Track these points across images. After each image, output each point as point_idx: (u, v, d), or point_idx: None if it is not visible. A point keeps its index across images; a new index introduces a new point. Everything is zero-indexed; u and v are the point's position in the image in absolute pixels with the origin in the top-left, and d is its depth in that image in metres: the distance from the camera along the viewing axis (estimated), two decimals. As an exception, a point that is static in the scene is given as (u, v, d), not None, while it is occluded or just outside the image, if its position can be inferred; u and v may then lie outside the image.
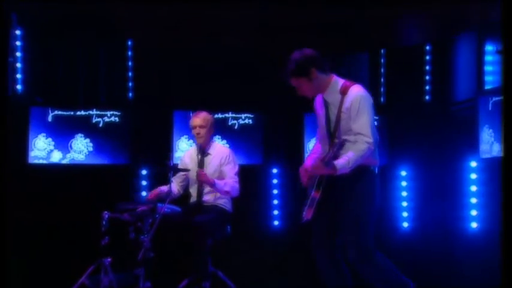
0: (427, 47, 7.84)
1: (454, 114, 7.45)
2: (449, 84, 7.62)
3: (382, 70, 7.95)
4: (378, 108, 5.38)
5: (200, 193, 5.88)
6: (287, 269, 7.35)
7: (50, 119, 7.10)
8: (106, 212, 5.65)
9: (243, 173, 6.16)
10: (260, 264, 7.19)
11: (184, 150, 7.21)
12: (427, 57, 7.85)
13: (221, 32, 7.21)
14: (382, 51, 7.99)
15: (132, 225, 5.44)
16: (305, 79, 4.42)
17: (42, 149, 7.04)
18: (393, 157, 7.52)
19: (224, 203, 5.92)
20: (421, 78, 7.83)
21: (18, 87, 7.04)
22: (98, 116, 7.21)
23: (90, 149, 7.17)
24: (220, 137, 7.31)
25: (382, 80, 7.96)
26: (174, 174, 5.77)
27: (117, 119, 7.23)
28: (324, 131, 4.53)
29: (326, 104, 4.49)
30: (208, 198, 5.88)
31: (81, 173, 7.12)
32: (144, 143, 7.33)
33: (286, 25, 7.21)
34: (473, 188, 6.74)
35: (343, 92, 4.40)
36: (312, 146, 7.55)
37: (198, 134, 5.95)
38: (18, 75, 7.05)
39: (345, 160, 4.20)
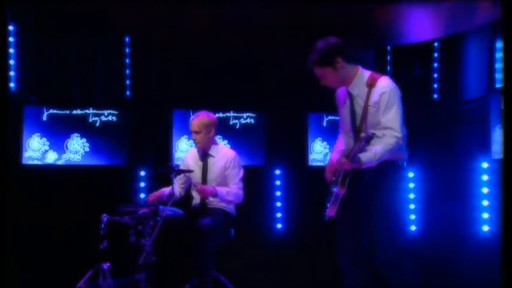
0: (436, 44, 7.82)
1: (464, 113, 7.43)
2: (459, 83, 7.60)
3: (388, 68, 7.92)
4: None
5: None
6: (290, 273, 7.33)
7: (44, 118, 7.06)
8: (105, 214, 5.61)
9: (245, 174, 6.11)
10: (263, 268, 7.17)
11: (184, 151, 7.19)
12: (435, 55, 7.83)
13: (222, 29, 7.19)
14: (388, 48, 7.97)
15: (133, 228, 5.40)
16: (330, 69, 4.37)
17: (36, 149, 7.00)
18: (400, 158, 7.51)
19: (228, 205, 5.89)
20: (429, 76, 7.82)
21: (12, 85, 6.99)
22: (95, 115, 7.17)
23: (87, 149, 7.13)
24: (221, 137, 7.28)
25: (388, 78, 7.94)
26: (176, 176, 5.73)
27: (114, 118, 7.20)
28: (348, 125, 4.49)
29: (351, 97, 4.44)
30: (211, 200, 5.84)
31: (77, 174, 7.08)
32: (142, 143, 7.29)
33: (288, 22, 7.21)
34: (485, 190, 6.72)
35: (371, 84, 4.36)
36: (315, 145, 7.59)
37: (194, 139, 5.91)
38: (12, 73, 7.01)
39: (371, 154, 4.17)
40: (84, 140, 7.13)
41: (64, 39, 7.30)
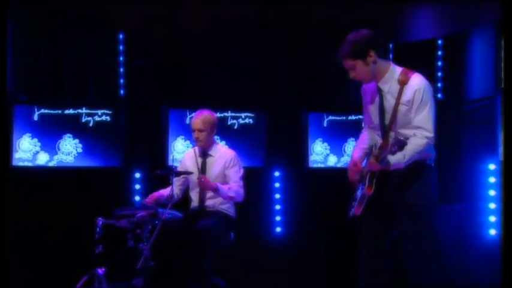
0: (439, 42, 7.83)
1: (469, 113, 7.43)
2: (463, 82, 7.61)
3: (390, 66, 7.90)
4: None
5: (202, 198, 5.82)
6: (290, 278, 7.33)
7: (35, 118, 7.00)
8: (100, 218, 5.57)
9: (244, 175, 6.09)
10: (262, 272, 7.17)
11: (180, 152, 7.16)
12: (439, 53, 7.85)
13: (220, 27, 7.17)
14: (390, 45, 7.96)
15: (130, 232, 5.36)
16: (361, 62, 4.33)
17: (27, 150, 6.94)
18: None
19: (227, 208, 5.87)
20: (433, 75, 7.81)
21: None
22: (88, 115, 7.12)
23: (80, 150, 7.07)
24: (219, 137, 7.24)
25: (390, 77, 7.94)
26: (175, 178, 5.71)
27: (108, 118, 7.15)
28: (375, 121, 4.46)
29: (381, 93, 4.40)
30: (210, 203, 5.82)
31: (70, 176, 7.01)
32: (137, 144, 7.23)
33: (288, 21, 7.20)
34: (492, 193, 6.71)
35: (403, 81, 4.32)
36: (315, 146, 7.57)
37: (197, 138, 5.88)
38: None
39: (400, 156, 4.13)
40: (76, 140, 7.07)
41: (55, 37, 7.24)
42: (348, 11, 6.96)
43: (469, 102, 7.46)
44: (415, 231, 4.30)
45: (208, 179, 5.70)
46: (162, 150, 7.26)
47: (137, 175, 7.18)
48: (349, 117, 7.59)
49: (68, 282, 5.77)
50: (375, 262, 4.50)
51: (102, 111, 7.14)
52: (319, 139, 7.64)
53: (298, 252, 7.43)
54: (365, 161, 4.49)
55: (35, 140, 6.97)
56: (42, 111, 7.02)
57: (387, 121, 4.35)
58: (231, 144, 7.23)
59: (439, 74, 7.84)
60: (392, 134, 4.26)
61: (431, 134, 4.26)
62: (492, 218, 6.70)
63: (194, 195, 5.89)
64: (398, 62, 7.74)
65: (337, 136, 7.64)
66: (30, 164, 6.94)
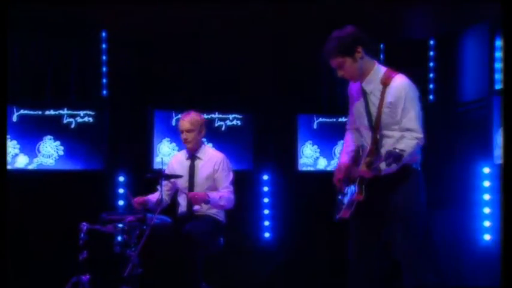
0: (431, 42, 7.86)
1: (462, 116, 7.46)
2: (456, 83, 7.63)
3: (381, 67, 7.92)
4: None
5: (190, 202, 5.78)
6: (279, 285, 7.31)
7: (14, 119, 6.93)
8: (84, 223, 5.51)
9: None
10: (250, 280, 7.15)
11: (166, 155, 7.13)
12: (431, 53, 7.87)
13: (207, 27, 7.17)
14: (380, 46, 7.98)
15: (117, 237, 5.32)
16: (350, 59, 4.29)
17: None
18: (395, 163, 7.51)
19: (217, 212, 5.83)
20: (424, 76, 7.84)
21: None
22: (70, 116, 7.06)
23: (61, 152, 7.01)
24: (205, 139, 7.21)
25: (380, 78, 7.96)
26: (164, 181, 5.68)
27: (91, 119, 7.10)
28: (362, 122, 4.45)
29: (365, 94, 4.40)
30: (199, 207, 5.78)
31: (51, 180, 6.95)
32: (121, 147, 7.20)
33: (276, 21, 7.21)
34: (487, 197, 6.74)
35: (385, 82, 4.30)
36: (305, 149, 7.57)
37: (185, 139, 5.86)
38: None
39: (381, 158, 4.14)
40: (57, 142, 7.02)
41: (35, 34, 7.18)
42: (336, 10, 6.97)
43: (462, 104, 7.49)
44: (405, 236, 4.32)
45: (197, 193, 5.66)
46: (147, 153, 7.23)
47: (121, 179, 7.13)
48: (340, 119, 7.58)
49: (51, 290, 5.72)
50: (367, 266, 4.52)
51: (85, 112, 7.09)
52: (309, 142, 7.64)
53: (288, 258, 7.42)
54: (359, 164, 4.49)
55: (14, 142, 6.91)
56: (22, 112, 6.95)
57: (374, 123, 4.35)
58: (218, 147, 7.19)
59: (431, 75, 7.86)
60: (388, 150, 4.26)
61: (420, 135, 4.28)
62: (486, 223, 6.73)
63: (182, 200, 5.86)
64: (388, 62, 7.73)
65: (327, 138, 7.64)
66: (8, 167, 6.85)
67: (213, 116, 7.40)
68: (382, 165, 4.14)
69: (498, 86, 6.76)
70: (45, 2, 6.46)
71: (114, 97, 7.33)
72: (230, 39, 7.36)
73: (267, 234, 7.51)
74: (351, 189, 4.39)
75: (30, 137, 6.96)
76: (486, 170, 6.78)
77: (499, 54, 6.84)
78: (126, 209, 6.74)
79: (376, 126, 4.33)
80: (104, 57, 7.36)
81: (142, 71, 7.39)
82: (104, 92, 7.33)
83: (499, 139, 6.53)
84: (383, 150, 4.24)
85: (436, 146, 7.50)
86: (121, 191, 7.10)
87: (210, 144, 7.20)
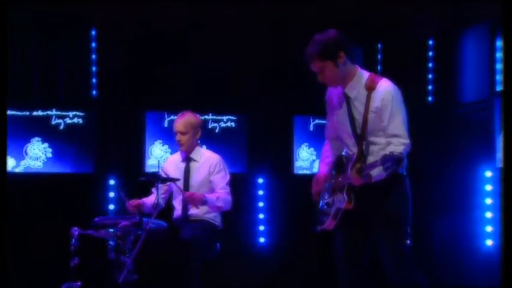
0: (430, 42, 7.89)
1: (462, 117, 7.48)
2: (455, 84, 7.66)
3: (378, 68, 7.95)
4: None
5: (186, 206, 5.77)
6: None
7: (1, 120, 6.90)
8: (75, 228, 5.48)
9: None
10: (244, 286, 7.13)
11: (158, 157, 7.11)
12: (430, 53, 7.90)
13: (201, 27, 7.18)
14: (378, 45, 8.00)
15: (111, 243, 5.30)
16: (331, 63, 4.28)
17: (-9, 155, 6.84)
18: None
19: (214, 217, 5.83)
20: (424, 77, 7.87)
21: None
22: (58, 117, 7.04)
23: (49, 155, 6.99)
24: (199, 141, 7.21)
25: (378, 78, 7.98)
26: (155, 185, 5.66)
27: (80, 120, 7.08)
28: (345, 129, 4.46)
29: (348, 100, 4.39)
30: (195, 212, 5.77)
31: (38, 183, 6.94)
32: (111, 149, 7.18)
33: (270, 20, 7.22)
34: (489, 201, 6.77)
35: (370, 87, 4.31)
36: (301, 152, 7.58)
37: (179, 141, 5.85)
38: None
39: (376, 164, 4.15)
40: (46, 144, 7.00)
41: (21, 32, 7.14)
42: (334, 10, 7.00)
43: (462, 105, 7.52)
44: (395, 240, 4.34)
45: (194, 192, 5.65)
46: (139, 155, 7.22)
47: (111, 182, 7.10)
48: (337, 121, 7.61)
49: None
50: (357, 273, 4.54)
51: (74, 113, 7.08)
52: (305, 144, 7.65)
53: (283, 264, 7.41)
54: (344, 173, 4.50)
55: (1, 143, 6.87)
56: (8, 112, 6.86)
57: (359, 130, 4.35)
58: (212, 149, 7.09)
59: (430, 75, 7.89)
60: (365, 143, 4.28)
61: (407, 141, 4.26)
62: (488, 228, 6.75)
63: (177, 204, 5.85)
64: (386, 63, 7.91)
65: (324, 141, 7.61)
66: (-5, 170, 6.83)
67: (206, 117, 7.39)
68: (374, 172, 4.17)
69: (500, 88, 6.79)
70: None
71: (105, 97, 7.30)
72: (224, 38, 7.36)
73: (261, 240, 7.50)
74: (337, 199, 4.40)
75: (17, 138, 6.92)
76: (488, 173, 6.81)
77: (500, 54, 6.87)
78: (118, 213, 6.73)
79: (361, 133, 4.33)
80: (94, 56, 7.32)
81: (134, 71, 7.34)
82: (94, 92, 7.29)
83: (500, 142, 6.57)
84: (371, 158, 4.27)
85: (435, 148, 7.56)
86: (111, 194, 7.07)
87: (204, 147, 7.18)
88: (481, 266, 6.78)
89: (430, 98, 7.89)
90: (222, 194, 5.76)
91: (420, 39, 7.92)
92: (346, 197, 4.30)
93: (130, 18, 7.06)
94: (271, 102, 7.60)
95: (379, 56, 8.00)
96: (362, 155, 4.32)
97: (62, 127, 7.04)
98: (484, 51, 7.11)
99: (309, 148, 7.65)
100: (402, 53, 7.86)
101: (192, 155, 5.89)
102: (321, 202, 4.60)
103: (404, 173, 4.42)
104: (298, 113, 7.67)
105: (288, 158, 7.63)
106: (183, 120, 5.82)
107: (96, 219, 5.54)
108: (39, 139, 7.00)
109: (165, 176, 5.63)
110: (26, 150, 6.96)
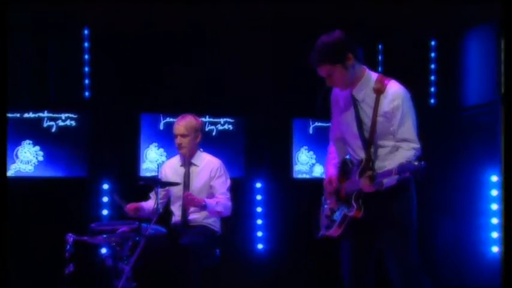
0: (432, 42, 7.94)
1: (466, 120, 7.53)
2: (459, 86, 7.71)
3: (379, 69, 7.98)
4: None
5: (185, 211, 5.78)
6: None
7: (-10, 122, 6.90)
8: (70, 234, 5.48)
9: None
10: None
11: (153, 161, 7.13)
12: (432, 54, 7.95)
13: (200, 28, 7.20)
14: (379, 46, 8.04)
15: (108, 249, 5.31)
16: (340, 66, 4.29)
17: (-20, 158, 6.83)
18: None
19: (213, 222, 5.83)
20: (426, 78, 7.93)
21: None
22: (50, 119, 7.04)
23: (41, 158, 6.99)
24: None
25: (378, 80, 8.01)
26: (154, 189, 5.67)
27: (73, 122, 7.08)
28: (351, 132, 4.47)
29: (355, 102, 4.40)
30: (194, 217, 5.78)
31: (29, 187, 6.94)
32: (105, 152, 7.17)
33: (272, 20, 7.25)
34: (494, 207, 6.82)
35: (379, 90, 4.31)
36: (300, 155, 7.61)
37: (179, 144, 5.86)
38: None
39: (391, 172, 4.18)
40: (37, 147, 6.99)
41: (11, 31, 7.12)
42: (333, 10, 7.03)
43: (467, 108, 7.57)
44: (402, 252, 4.36)
45: (193, 195, 5.67)
46: (133, 159, 7.21)
47: (105, 186, 7.10)
48: (337, 124, 7.64)
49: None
50: (362, 281, 4.57)
51: (66, 115, 7.08)
52: (305, 147, 7.68)
53: (282, 271, 7.42)
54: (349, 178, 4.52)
55: (-10, 147, 6.87)
56: (-2, 114, 6.91)
57: (367, 133, 4.36)
58: (208, 152, 7.16)
59: (433, 77, 7.94)
60: (373, 147, 4.30)
61: (417, 145, 4.31)
62: (494, 234, 6.80)
63: (176, 209, 5.85)
64: (387, 64, 7.94)
65: (324, 144, 7.57)
66: (-16, 174, 6.83)
67: (203, 119, 7.38)
68: (385, 180, 4.19)
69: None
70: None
71: (98, 99, 7.30)
72: (222, 38, 7.39)
73: (260, 246, 7.53)
74: (342, 205, 4.42)
75: (7, 141, 6.90)
76: (494, 178, 6.85)
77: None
78: (114, 219, 6.72)
79: (370, 136, 4.35)
80: (87, 56, 7.32)
81: (128, 71, 7.34)
82: (87, 93, 7.29)
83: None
84: (379, 162, 4.30)
85: (438, 152, 7.58)
86: (105, 199, 7.07)
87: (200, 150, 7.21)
88: (486, 273, 6.82)
89: (432, 101, 7.95)
90: (222, 199, 5.77)
91: (422, 39, 7.95)
92: (355, 205, 4.31)
93: (125, 16, 7.06)
94: (270, 105, 7.62)
95: (380, 57, 8.03)
96: (370, 159, 4.33)
97: (53, 129, 7.03)
98: (489, 52, 7.15)
99: (308, 152, 7.68)
100: (403, 54, 7.90)
101: (193, 160, 5.89)
102: (325, 206, 4.61)
103: (411, 178, 4.45)
104: (297, 115, 7.69)
105: (287, 161, 7.65)
106: (183, 123, 5.82)
107: (93, 225, 5.54)
108: (30, 142, 6.99)
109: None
110: (16, 153, 6.95)
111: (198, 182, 5.83)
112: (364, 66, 4.45)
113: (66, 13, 7.08)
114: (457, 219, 7.21)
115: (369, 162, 4.33)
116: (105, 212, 7.02)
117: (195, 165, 5.89)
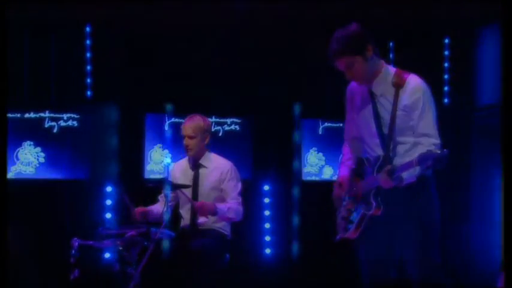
0: (446, 40, 7.97)
1: (480, 121, 7.57)
2: (473, 86, 7.75)
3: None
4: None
5: (194, 215, 5.83)
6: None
7: (-10, 122, 6.94)
8: (76, 238, 5.52)
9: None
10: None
11: (158, 162, 7.17)
12: (446, 53, 7.98)
13: (205, 26, 7.23)
14: (390, 44, 8.08)
15: (116, 254, 5.35)
16: (360, 58, 4.29)
17: (-20, 160, 6.87)
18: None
19: (223, 226, 5.86)
20: (439, 77, 7.95)
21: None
22: (52, 119, 7.07)
23: (42, 160, 7.03)
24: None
25: (389, 79, 8.05)
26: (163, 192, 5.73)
27: (75, 123, 7.11)
28: (368, 129, 4.48)
29: (373, 97, 4.42)
30: (203, 221, 5.83)
31: (30, 189, 6.98)
32: (108, 154, 7.20)
33: (278, 18, 7.29)
34: (509, 208, 6.86)
35: (398, 84, 4.32)
36: (309, 157, 7.64)
37: (187, 146, 5.89)
38: None
39: (412, 168, 4.18)
40: (38, 149, 7.03)
41: (11, 29, 7.16)
42: (342, 7, 7.06)
43: (480, 108, 7.59)
44: (425, 253, 4.39)
45: (205, 202, 5.69)
46: (137, 160, 7.25)
47: (108, 189, 7.14)
48: (347, 125, 7.68)
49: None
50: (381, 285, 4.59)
51: (68, 115, 7.11)
52: (314, 149, 7.71)
53: (291, 277, 7.46)
54: (365, 177, 4.55)
55: (-10, 148, 6.91)
56: (-2, 114, 6.96)
57: (385, 129, 4.37)
58: (214, 153, 7.26)
59: (446, 76, 7.96)
60: (392, 143, 4.32)
61: (438, 141, 4.29)
62: (510, 237, 6.84)
63: (185, 212, 5.88)
64: (399, 62, 7.95)
65: (334, 145, 7.67)
66: (-16, 176, 6.87)
67: (209, 120, 7.44)
68: (404, 174, 4.21)
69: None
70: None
71: (100, 99, 7.34)
72: (229, 36, 7.41)
73: (268, 250, 7.57)
74: (360, 205, 4.42)
75: (7, 142, 6.94)
76: (509, 180, 6.88)
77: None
78: (120, 222, 6.75)
79: (389, 132, 4.35)
80: (89, 55, 7.37)
81: (132, 70, 7.39)
82: (89, 92, 7.34)
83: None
84: (398, 159, 4.28)
85: (451, 153, 7.62)
86: (108, 202, 7.11)
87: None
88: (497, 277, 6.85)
89: (445, 100, 7.97)
90: (233, 204, 5.80)
91: (435, 37, 7.97)
92: (373, 202, 4.30)
93: (128, 13, 7.08)
94: (278, 105, 7.64)
95: (391, 55, 8.06)
96: (388, 156, 4.33)
97: (55, 130, 7.07)
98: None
99: (317, 153, 7.71)
100: (415, 52, 7.91)
101: (201, 161, 5.92)
102: (342, 208, 4.63)
103: (431, 175, 4.46)
104: (306, 115, 7.70)
105: (295, 163, 7.66)
106: (191, 124, 5.85)
107: (100, 229, 5.57)
108: (31, 143, 7.02)
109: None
110: (17, 155, 6.98)
111: (207, 184, 5.86)
112: (382, 61, 4.46)
113: (68, 11, 7.10)
114: (469, 222, 7.24)
115: (387, 159, 4.32)
116: (108, 215, 7.05)
117: (204, 166, 5.92)
